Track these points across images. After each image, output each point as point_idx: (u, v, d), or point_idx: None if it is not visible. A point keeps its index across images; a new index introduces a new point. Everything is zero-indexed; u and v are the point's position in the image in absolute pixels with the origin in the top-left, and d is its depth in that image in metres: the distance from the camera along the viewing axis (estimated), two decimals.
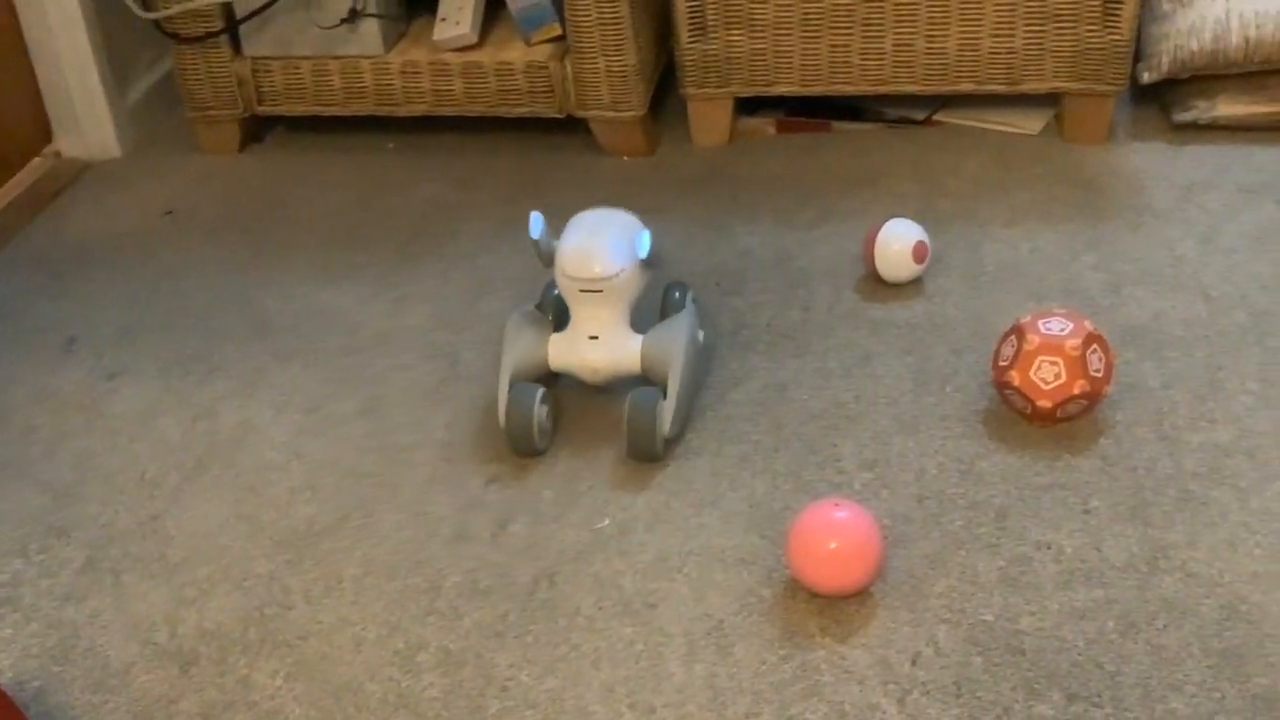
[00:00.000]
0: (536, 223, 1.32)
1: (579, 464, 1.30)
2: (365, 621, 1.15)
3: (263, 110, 1.89)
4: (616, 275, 1.29)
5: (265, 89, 1.87)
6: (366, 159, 1.90)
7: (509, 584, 1.17)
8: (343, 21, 1.80)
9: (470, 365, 1.45)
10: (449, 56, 1.80)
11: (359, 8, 1.79)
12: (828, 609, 1.12)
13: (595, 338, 1.31)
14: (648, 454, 1.28)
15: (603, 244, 1.31)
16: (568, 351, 1.33)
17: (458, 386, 1.42)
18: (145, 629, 1.16)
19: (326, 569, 1.21)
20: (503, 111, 1.82)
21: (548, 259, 1.33)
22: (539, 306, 1.42)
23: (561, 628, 1.12)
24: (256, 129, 1.97)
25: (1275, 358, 1.35)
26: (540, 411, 1.29)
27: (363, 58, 1.82)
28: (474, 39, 1.79)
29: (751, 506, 1.23)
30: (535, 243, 1.32)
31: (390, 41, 1.83)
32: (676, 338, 1.31)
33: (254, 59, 1.85)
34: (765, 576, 1.16)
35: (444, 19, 1.81)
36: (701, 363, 1.38)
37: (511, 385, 1.31)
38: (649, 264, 1.32)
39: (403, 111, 1.85)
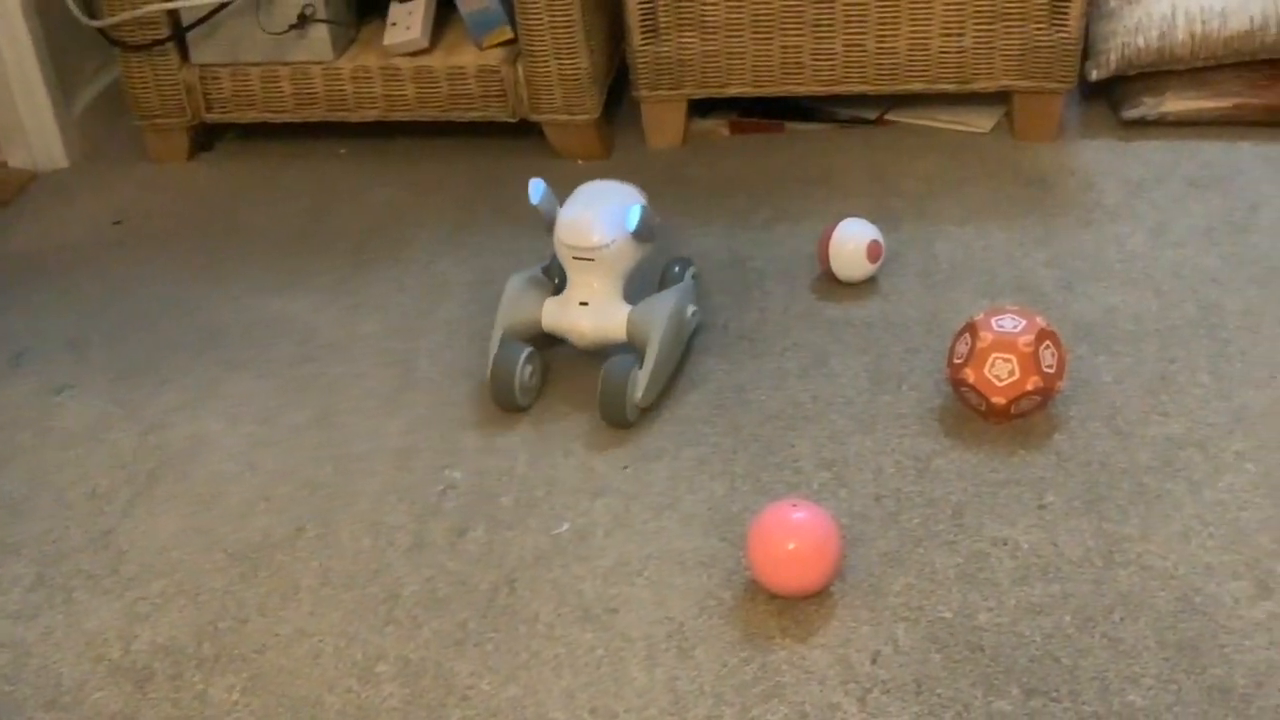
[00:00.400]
0: (536, 189, 1.37)
1: (537, 470, 1.29)
2: (323, 633, 1.14)
3: (212, 118, 1.87)
4: (607, 246, 1.34)
5: (214, 96, 1.85)
6: (318, 165, 1.89)
7: (468, 592, 1.16)
8: (291, 28, 1.78)
9: (426, 372, 1.44)
10: (400, 61, 1.79)
11: (308, 13, 1.78)
12: (788, 610, 1.12)
13: (585, 304, 1.36)
14: (618, 420, 1.32)
15: (598, 215, 1.35)
16: (559, 315, 1.38)
17: (413, 394, 1.41)
18: (98, 646, 1.14)
19: (282, 580, 1.19)
20: (455, 116, 1.81)
21: (549, 225, 1.38)
22: (545, 270, 1.44)
23: (522, 635, 1.12)
24: (206, 137, 1.94)
25: (1225, 350, 1.36)
26: (524, 370, 1.34)
27: (313, 63, 1.81)
28: (425, 44, 1.78)
29: (710, 509, 1.23)
30: (536, 209, 1.36)
31: (340, 47, 1.82)
32: (661, 309, 1.35)
33: (202, 66, 1.83)
34: (725, 579, 1.15)
35: (394, 24, 1.80)
36: (683, 336, 1.40)
37: (502, 342, 1.35)
38: (642, 237, 1.36)
39: (354, 117, 1.84)
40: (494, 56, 1.77)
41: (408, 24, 1.79)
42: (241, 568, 1.21)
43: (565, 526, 1.23)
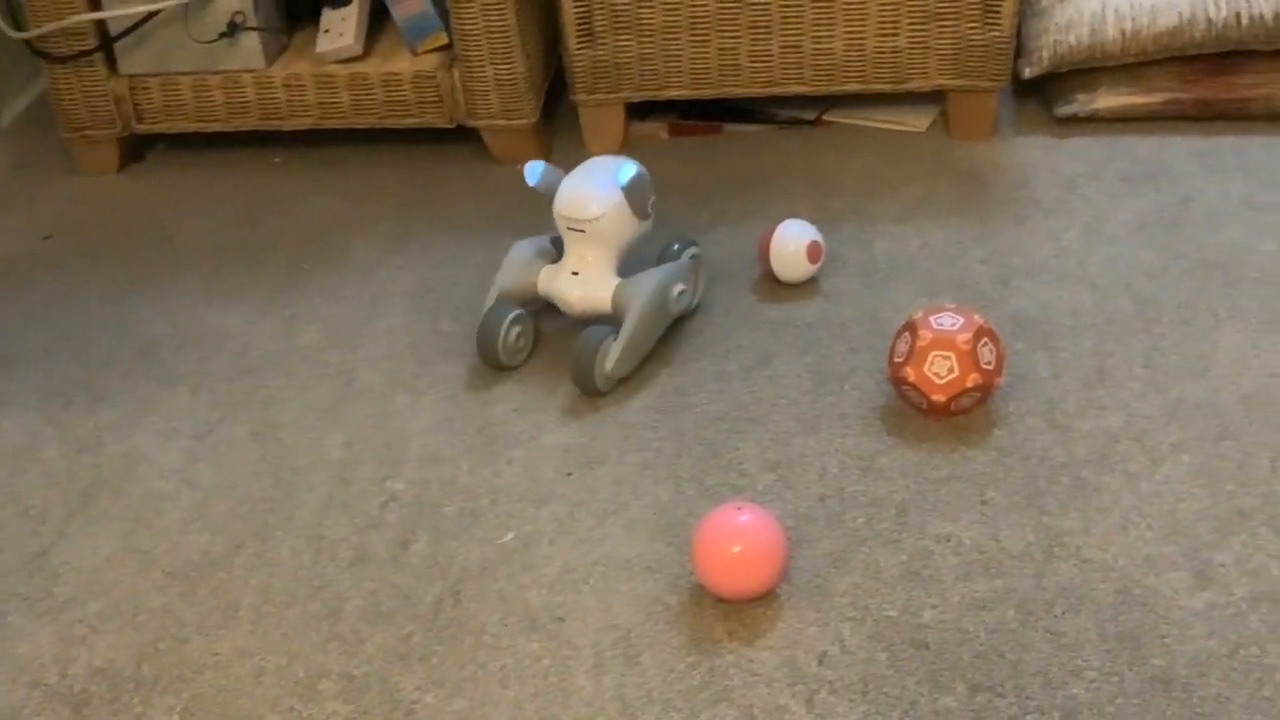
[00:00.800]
0: (533, 171, 1.41)
1: (480, 479, 1.28)
2: (264, 651, 1.12)
3: (142, 129, 1.84)
4: (599, 218, 1.38)
5: (144, 107, 1.81)
6: (252, 175, 1.86)
7: (412, 605, 1.15)
8: (221, 36, 1.76)
9: (366, 383, 1.43)
10: (333, 68, 1.77)
11: (238, 21, 1.75)
12: (734, 613, 1.11)
13: (576, 273, 1.41)
14: (588, 387, 1.36)
15: (594, 188, 1.39)
16: (551, 281, 1.43)
17: (353, 406, 1.40)
18: (34, 670, 1.12)
19: (222, 599, 1.17)
20: (391, 123, 1.79)
21: (551, 197, 1.41)
22: (555, 241, 1.47)
23: (467, 647, 1.10)
24: (136, 148, 1.91)
25: (1160, 344, 1.38)
26: (509, 330, 1.40)
27: (244, 72, 1.78)
28: (359, 50, 1.77)
29: (656, 514, 1.23)
30: (536, 188, 1.41)
31: (272, 55, 1.80)
32: (646, 284, 1.39)
33: (131, 76, 1.80)
34: (671, 584, 1.15)
35: (327, 30, 1.78)
36: (666, 313, 1.42)
37: (496, 302, 1.42)
38: (636, 207, 1.39)
39: (288, 126, 1.81)
40: (429, 62, 1.76)
41: (341, 30, 1.77)
42: (180, 587, 1.19)
43: (510, 535, 1.22)
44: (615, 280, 1.41)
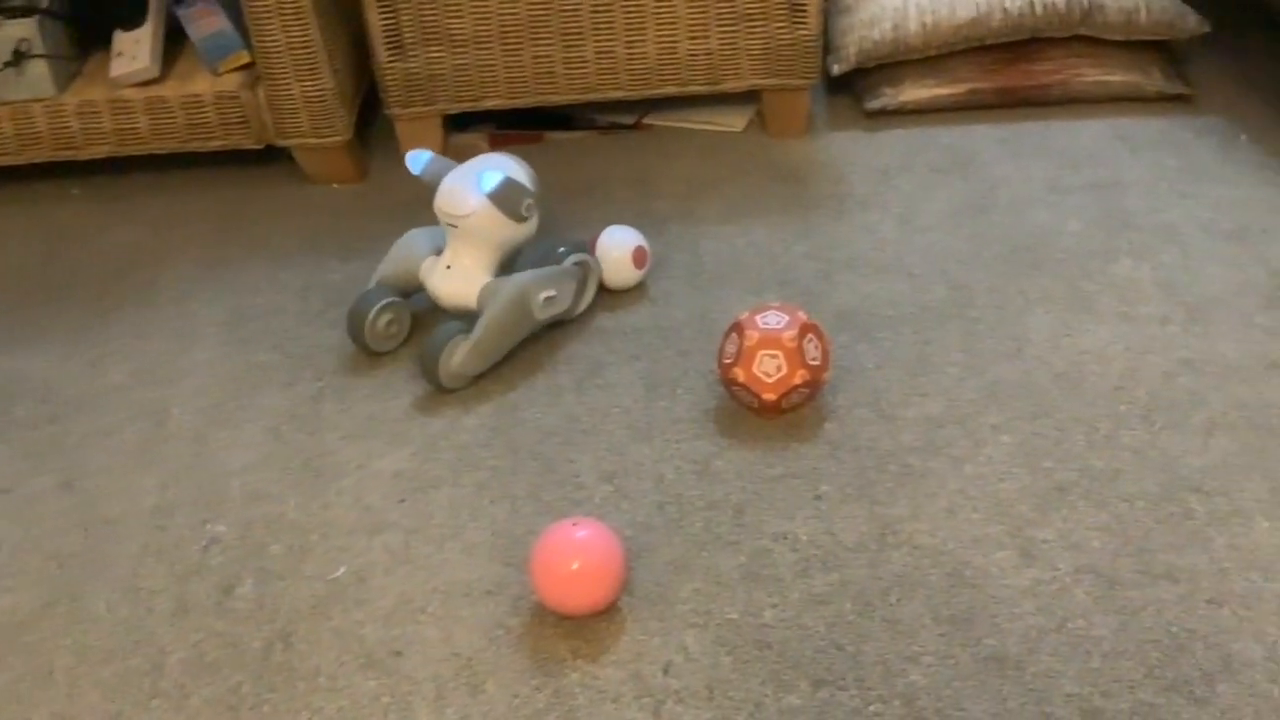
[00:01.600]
0: (416, 160, 1.41)
1: (309, 514, 1.24)
2: (82, 715, 1.05)
3: None
4: (469, 215, 1.38)
5: None
6: (49, 208, 1.76)
7: (240, 652, 1.10)
8: (7, 65, 1.66)
9: (181, 422, 1.36)
10: (130, 93, 1.69)
11: (24, 49, 1.66)
12: (577, 630, 1.10)
13: (449, 268, 1.41)
14: (431, 380, 1.37)
15: (469, 185, 1.39)
16: (429, 273, 1.43)
17: (168, 447, 1.33)
18: None
19: (34, 662, 1.10)
20: (195, 146, 1.72)
21: (434, 190, 1.41)
22: None
23: (301, 691, 1.06)
24: None
25: (975, 328, 1.42)
26: (378, 316, 1.41)
27: (34, 101, 1.69)
28: (155, 73, 1.69)
29: (494, 535, 1.20)
30: (421, 178, 1.41)
31: (63, 82, 1.71)
32: (508, 284, 1.38)
33: None
34: (512, 606, 1.13)
35: (121, 54, 1.70)
36: (528, 317, 1.40)
37: (375, 286, 1.43)
38: (506, 209, 1.38)
39: (84, 155, 1.72)
40: (232, 82, 1.69)
41: (135, 54, 1.69)
42: None
43: (342, 570, 1.17)
44: (486, 278, 1.40)
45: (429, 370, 1.35)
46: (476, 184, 1.39)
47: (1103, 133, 1.78)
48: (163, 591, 1.16)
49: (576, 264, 1.47)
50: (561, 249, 1.46)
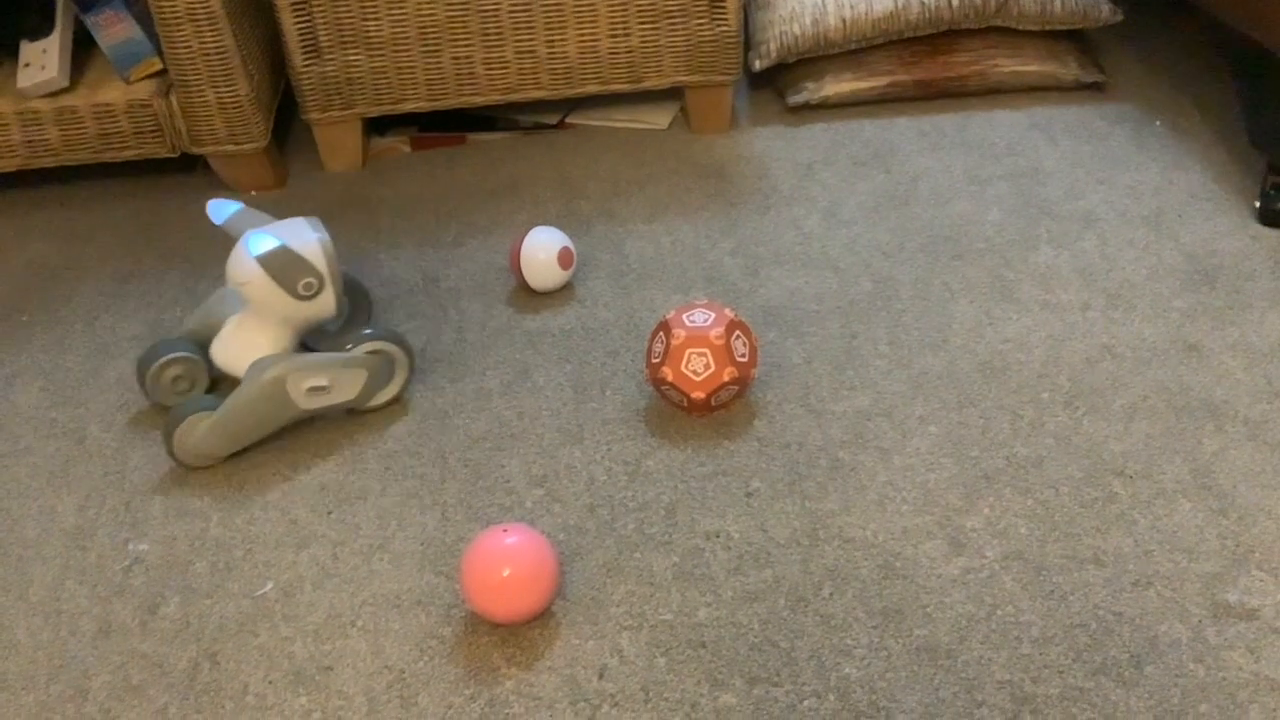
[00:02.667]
0: (219, 210, 1.32)
1: (233, 529, 1.21)
2: None
3: None
4: (244, 284, 1.28)
5: None
6: None
7: (165, 673, 1.07)
8: None
9: (98, 440, 1.33)
10: (38, 104, 1.64)
11: None
12: (510, 638, 1.09)
13: (235, 331, 1.33)
14: (171, 454, 1.28)
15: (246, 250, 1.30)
16: (220, 334, 1.35)
17: (87, 465, 1.30)
18: None
19: None
20: (108, 157, 1.68)
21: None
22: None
23: (229, 711, 1.04)
24: None
25: (901, 320, 1.43)
26: (161, 369, 1.33)
27: None
28: (64, 82, 1.65)
29: (424, 544, 1.19)
30: (223, 228, 1.32)
31: None
32: (265, 366, 1.27)
33: None
34: (444, 615, 1.12)
35: (28, 64, 1.65)
36: (275, 406, 1.28)
37: (174, 338, 1.35)
38: (275, 276, 1.26)
39: None
40: (144, 90, 1.65)
41: (42, 63, 1.64)
42: None
43: (269, 586, 1.15)
44: (259, 350, 1.30)
45: (167, 442, 1.27)
46: (246, 247, 1.27)
47: (1020, 122, 1.80)
48: (85, 613, 1.13)
49: (372, 353, 1.32)
50: (362, 334, 1.32)
